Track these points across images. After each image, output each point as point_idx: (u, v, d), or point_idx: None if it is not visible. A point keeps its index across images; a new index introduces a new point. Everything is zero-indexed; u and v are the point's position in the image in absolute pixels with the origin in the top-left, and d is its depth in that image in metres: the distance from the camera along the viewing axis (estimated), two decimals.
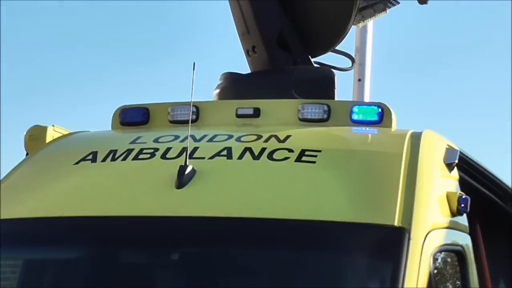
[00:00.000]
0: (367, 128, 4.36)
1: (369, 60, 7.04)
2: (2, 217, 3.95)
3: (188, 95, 4.28)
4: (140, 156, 4.04)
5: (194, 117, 4.34)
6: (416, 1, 5.66)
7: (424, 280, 3.50)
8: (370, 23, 6.91)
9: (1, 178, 4.35)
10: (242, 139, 4.14)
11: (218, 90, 5.02)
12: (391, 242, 3.58)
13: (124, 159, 4.05)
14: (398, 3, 5.77)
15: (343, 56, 5.53)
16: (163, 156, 3.99)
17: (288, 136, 4.09)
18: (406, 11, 6.04)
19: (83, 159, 4.13)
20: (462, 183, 4.20)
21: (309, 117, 4.36)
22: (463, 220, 4.05)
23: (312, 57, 5.22)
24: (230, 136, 4.17)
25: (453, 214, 3.89)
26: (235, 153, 3.97)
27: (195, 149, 3.95)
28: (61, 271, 4.13)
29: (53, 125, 4.53)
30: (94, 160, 4.13)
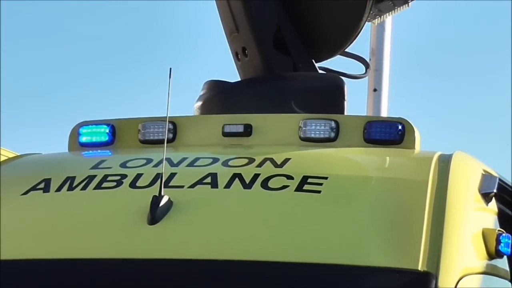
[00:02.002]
0: (385, 150, 3.92)
1: (387, 66, 6.45)
2: None
3: (163, 110, 3.81)
4: (104, 185, 3.57)
5: (171, 135, 3.96)
6: None
7: None
8: (389, 19, 6.27)
9: None
10: (229, 163, 3.75)
11: (200, 103, 4.58)
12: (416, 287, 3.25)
13: (84, 188, 3.57)
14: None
15: (355, 60, 5.05)
16: (133, 185, 3.54)
17: (286, 160, 3.67)
18: (434, 3, 5.54)
19: (33, 188, 3.67)
20: (502, 217, 3.74)
21: (312, 135, 3.96)
22: (503, 263, 3.62)
23: (316, 62, 4.70)
24: (215, 160, 3.75)
25: (491, 256, 3.42)
26: (221, 181, 3.51)
27: (172, 175, 3.51)
28: None
29: None
30: (47, 189, 3.66)
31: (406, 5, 5.12)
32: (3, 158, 4.44)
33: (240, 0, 4.64)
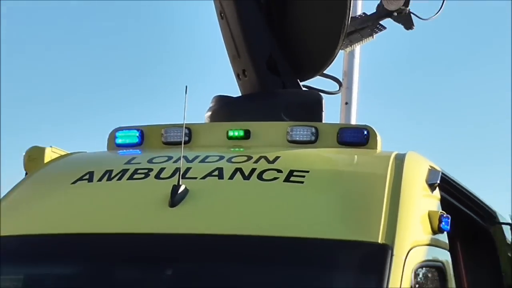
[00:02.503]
0: (354, 150, 4.34)
1: (356, 84, 6.83)
2: (2, 234, 3.92)
3: (181, 118, 4.24)
4: (135, 176, 4.00)
5: (187, 138, 4.32)
6: (402, 27, 5.68)
7: None
8: (358, 48, 6.79)
9: (1, 197, 4.34)
10: (233, 160, 4.14)
11: (209, 113, 5.01)
12: (375, 258, 3.56)
13: (119, 178, 4.01)
14: (385, 28, 5.72)
15: (331, 80, 5.52)
16: (157, 176, 3.96)
17: (277, 157, 4.05)
18: (393, 36, 5.98)
19: (80, 178, 4.09)
20: (444, 202, 4.19)
21: (297, 139, 4.33)
22: (443, 237, 4.05)
23: (301, 81, 5.20)
24: (221, 157, 4.14)
25: (434, 232, 3.88)
26: (226, 174, 3.93)
27: (188, 169, 3.92)
28: (58, 287, 4.05)
29: (51, 146, 4.53)
30: (90, 179, 4.08)
31: (372, 37, 5.62)
32: (56, 155, 4.51)
33: (240, 32, 5.07)
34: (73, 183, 4.09)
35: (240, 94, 5.25)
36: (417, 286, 3.79)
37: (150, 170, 4.04)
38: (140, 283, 3.87)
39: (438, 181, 4.06)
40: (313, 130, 4.35)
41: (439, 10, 5.60)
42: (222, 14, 5.20)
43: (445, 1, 5.62)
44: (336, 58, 5.31)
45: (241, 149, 4.44)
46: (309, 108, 5.03)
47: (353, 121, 6.80)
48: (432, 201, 4.07)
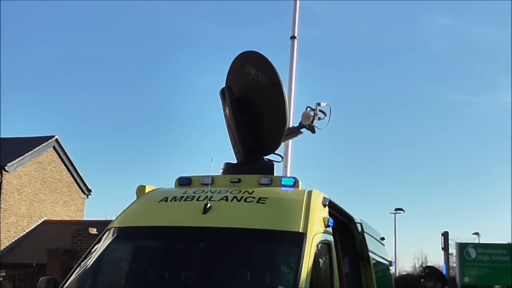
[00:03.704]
0: (289, 188, 5.24)
1: (289, 157, 7.95)
2: (121, 225, 5.14)
3: (208, 171, 5.26)
4: (187, 199, 5.07)
5: (211, 182, 5.25)
6: (309, 132, 6.36)
7: (312, 258, 4.44)
8: (290, 141, 7.67)
9: (125, 208, 5.32)
10: (232, 192, 5.05)
11: (222, 170, 5.93)
12: (297, 239, 4.55)
13: (179, 200, 5.08)
14: (302, 133, 6.43)
15: (278, 156, 6.24)
16: (197, 199, 5.01)
17: (253, 191, 5.05)
18: (308, 136, 6.50)
19: (161, 200, 5.18)
20: (330, 213, 5.26)
21: (263, 183, 5.30)
22: (330, 230, 5.12)
23: (264, 156, 6.10)
24: (227, 191, 5.08)
25: (326, 227, 4.98)
26: (229, 199, 4.97)
27: (211, 196, 4.94)
28: (149, 252, 5.30)
29: (148, 185, 5.58)
30: (166, 200, 5.17)
31: (297, 136, 6.58)
32: (150, 189, 5.56)
33: (236, 134, 5.98)
34: (159, 202, 5.17)
35: (236, 162, 6.05)
36: (317, 253, 4.64)
37: (194, 196, 5.06)
38: (188, 251, 5.01)
39: (327, 203, 5.13)
40: (270, 179, 5.35)
41: (327, 124, 6.34)
42: (228, 125, 6.08)
43: (330, 117, 6.30)
44: (280, 146, 6.16)
45: (236, 188, 5.19)
46: (268, 169, 5.93)
47: (289, 175, 7.81)
48: (324, 212, 5.08)
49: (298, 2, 9.18)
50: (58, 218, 26.25)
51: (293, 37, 9.04)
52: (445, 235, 17.60)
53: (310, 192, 4.95)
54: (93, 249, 4.95)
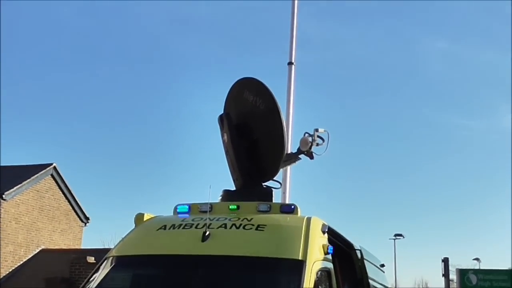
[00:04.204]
0: (288, 215, 5.26)
1: (288, 184, 7.92)
2: (120, 254, 5.16)
3: (206, 198, 5.23)
4: (186, 227, 5.08)
5: (210, 209, 5.26)
6: (308, 158, 6.36)
7: (312, 285, 4.46)
8: (289, 167, 7.77)
9: (123, 236, 5.33)
10: (231, 220, 5.08)
11: (220, 197, 5.96)
12: (297, 266, 4.57)
13: (178, 228, 5.09)
14: (300, 159, 6.39)
15: (276, 182, 6.24)
16: (196, 227, 5.01)
17: (251, 218, 5.07)
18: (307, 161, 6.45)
19: (160, 228, 5.18)
20: (329, 239, 5.21)
21: (261, 209, 5.32)
22: (329, 257, 5.09)
23: (262, 182, 6.10)
24: (225, 218, 5.11)
25: (325, 254, 4.96)
26: (228, 226, 4.99)
27: (210, 224, 4.95)
28: (148, 280, 5.25)
29: (146, 213, 5.57)
30: (164, 228, 5.17)
31: (295, 162, 6.48)
32: (148, 217, 5.56)
33: (234, 161, 6.01)
34: (157, 230, 5.16)
35: (234, 188, 6.07)
36: (317, 280, 4.64)
37: (193, 224, 5.06)
38: (189, 279, 4.87)
39: (326, 230, 5.11)
40: (268, 205, 5.35)
41: (325, 150, 6.30)
42: (226, 151, 6.10)
43: (329, 143, 6.27)
44: (278, 172, 6.16)
45: (235, 215, 5.22)
46: (266, 195, 5.92)
47: (287, 201, 7.72)
48: (324, 239, 5.06)
49: (295, 28, 9.26)
50: (56, 247, 26.06)
51: (290, 63, 9.06)
52: (446, 261, 17.46)
53: (309, 219, 4.95)
54: (92, 278, 4.94)
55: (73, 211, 27.93)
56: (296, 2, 9.14)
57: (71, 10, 44.90)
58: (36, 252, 25.47)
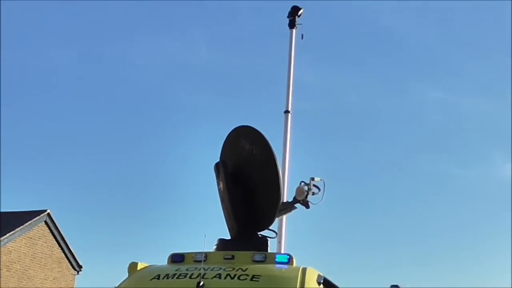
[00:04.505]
0: (283, 266, 5.26)
1: (284, 233, 7.87)
2: None
3: (202, 245, 5.12)
4: (180, 277, 5.08)
5: (205, 259, 5.24)
6: (304, 207, 6.37)
7: None
8: (284, 217, 7.67)
9: (116, 286, 5.30)
10: (225, 269, 5.08)
11: (215, 246, 5.91)
12: None
13: (172, 278, 5.10)
14: (296, 208, 6.44)
15: (272, 232, 6.22)
16: (190, 277, 5.01)
17: (246, 269, 5.06)
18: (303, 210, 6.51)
19: (153, 277, 5.19)
20: None
21: (257, 259, 5.28)
22: None
23: (257, 231, 6.07)
24: (220, 268, 5.11)
25: None
26: (222, 276, 4.98)
27: (205, 274, 4.93)
28: None
29: (140, 262, 5.55)
30: (158, 278, 5.18)
31: (291, 212, 6.50)
32: (142, 266, 5.56)
33: (230, 209, 5.97)
34: (151, 280, 5.15)
35: (230, 237, 6.03)
36: None
37: (187, 274, 5.04)
38: None
39: (322, 281, 5.10)
40: (264, 255, 5.33)
41: (321, 199, 6.39)
42: (222, 199, 6.09)
43: (325, 192, 6.35)
44: (274, 221, 6.15)
45: (230, 265, 5.18)
46: (261, 245, 5.92)
47: (283, 251, 7.69)
48: None
49: (292, 77, 9.21)
50: None
51: (286, 112, 9.03)
52: None
53: (304, 270, 4.97)
54: None
55: (65, 258, 27.57)
56: (293, 51, 9.18)
57: (69, 55, 45.29)
58: None
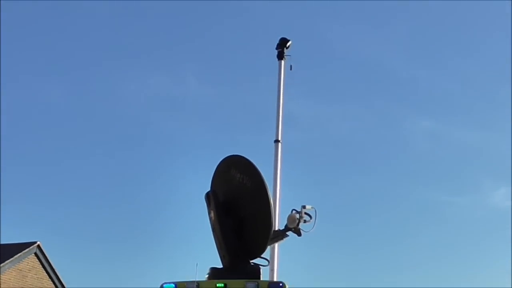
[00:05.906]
0: None
1: (276, 261, 7.86)
2: None
3: (194, 274, 5.57)
4: None
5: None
6: (296, 235, 6.43)
7: None
8: (276, 245, 7.73)
9: None
10: None
11: (207, 276, 6.08)
12: None
13: None
14: (288, 236, 6.56)
15: (264, 260, 6.39)
16: None
17: None
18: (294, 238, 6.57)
19: None
20: None
21: None
22: None
23: (250, 260, 6.23)
24: None
25: None
26: None
27: None
28: None
29: None
30: None
31: (282, 240, 6.55)
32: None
33: (222, 239, 6.16)
34: None
35: (222, 266, 6.18)
36: None
37: None
38: None
39: None
40: (256, 284, 5.61)
41: (313, 226, 6.44)
42: (213, 228, 6.24)
43: (316, 219, 6.44)
44: (266, 249, 6.29)
45: None
46: (254, 273, 6.10)
47: (275, 279, 7.57)
48: None
49: (281, 108, 9.30)
50: None
51: (276, 141, 9.03)
52: None
53: None
54: None
55: None
56: (282, 82, 9.28)
57: (60, 90, 45.68)
58: None
